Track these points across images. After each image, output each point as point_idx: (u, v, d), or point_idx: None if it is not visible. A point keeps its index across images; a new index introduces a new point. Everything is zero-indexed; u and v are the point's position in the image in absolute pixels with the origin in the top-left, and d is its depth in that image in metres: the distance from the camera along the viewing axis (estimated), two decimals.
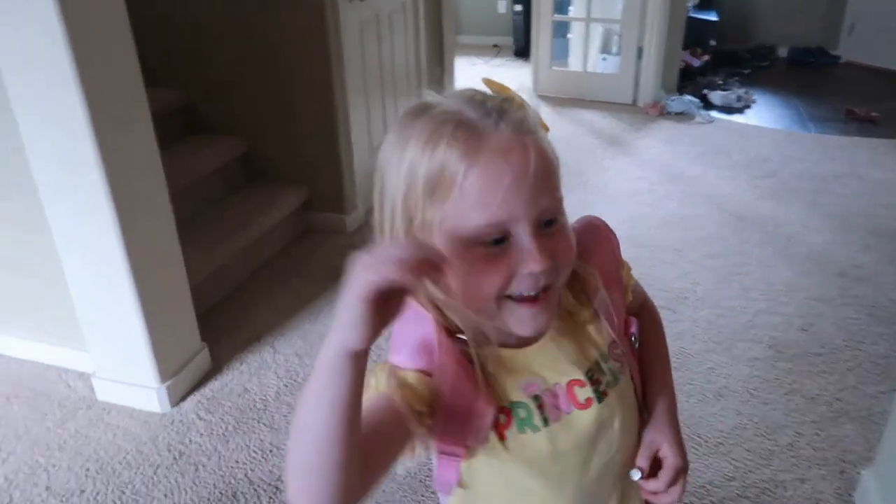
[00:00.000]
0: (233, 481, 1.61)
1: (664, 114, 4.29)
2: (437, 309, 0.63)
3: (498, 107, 0.59)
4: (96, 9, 1.52)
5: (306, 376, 1.95)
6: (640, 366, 0.78)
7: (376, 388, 0.62)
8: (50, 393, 1.90)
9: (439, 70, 3.53)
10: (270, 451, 1.70)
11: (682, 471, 0.74)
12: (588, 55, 4.83)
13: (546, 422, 0.67)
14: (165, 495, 1.58)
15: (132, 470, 1.65)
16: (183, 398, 1.87)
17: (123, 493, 1.59)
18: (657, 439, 0.76)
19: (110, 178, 1.58)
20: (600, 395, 0.69)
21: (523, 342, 0.67)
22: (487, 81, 0.63)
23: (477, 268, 0.58)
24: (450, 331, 0.64)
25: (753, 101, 4.58)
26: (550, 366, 0.68)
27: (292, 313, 2.25)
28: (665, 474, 0.73)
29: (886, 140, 3.90)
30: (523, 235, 0.58)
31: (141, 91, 1.68)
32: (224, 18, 2.55)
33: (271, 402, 1.86)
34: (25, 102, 1.55)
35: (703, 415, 1.81)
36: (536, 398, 0.67)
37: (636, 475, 0.74)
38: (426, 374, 0.62)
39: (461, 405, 0.63)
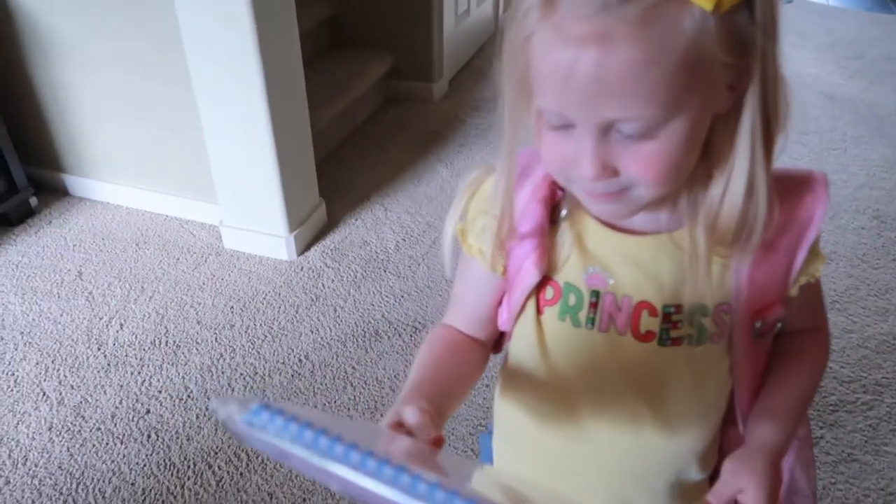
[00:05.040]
0: (372, 321, 1.70)
1: None
2: None
3: None
4: None
5: (421, 233, 2.01)
6: (766, 379, 0.63)
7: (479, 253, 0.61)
8: (177, 241, 1.97)
9: None
10: (402, 296, 1.77)
11: None
12: None
13: (592, 323, 0.58)
14: (311, 331, 1.66)
15: (275, 308, 1.73)
16: (307, 248, 1.94)
17: (271, 328, 1.67)
18: (742, 479, 0.56)
19: (260, 32, 1.57)
20: (666, 340, 0.57)
21: (620, 226, 0.57)
22: None
23: (546, 140, 0.51)
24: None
25: None
26: (632, 273, 0.56)
27: (393, 176, 2.27)
28: None
29: None
30: (585, 134, 0.47)
31: None
32: None
33: (393, 254, 1.92)
34: None
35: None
36: (595, 293, 0.57)
37: None
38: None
39: (520, 256, 0.59)
